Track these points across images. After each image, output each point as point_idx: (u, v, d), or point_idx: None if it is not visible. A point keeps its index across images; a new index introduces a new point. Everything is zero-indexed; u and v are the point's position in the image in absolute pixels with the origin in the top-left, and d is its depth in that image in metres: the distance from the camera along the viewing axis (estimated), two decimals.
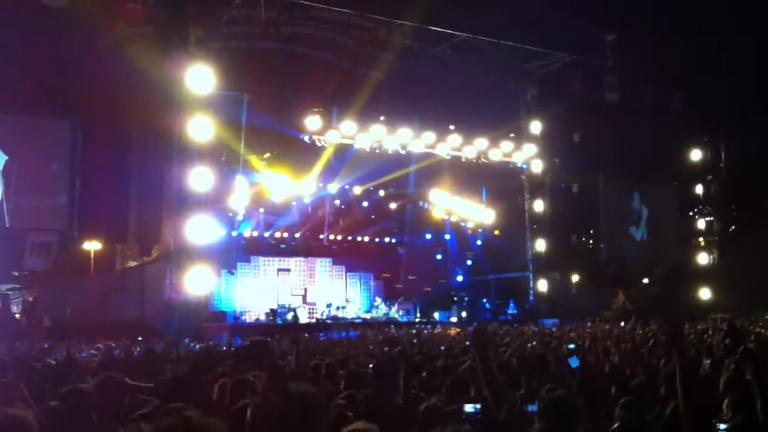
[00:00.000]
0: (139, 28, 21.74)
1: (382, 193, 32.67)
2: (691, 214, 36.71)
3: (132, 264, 29.21)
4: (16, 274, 28.12)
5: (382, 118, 28.52)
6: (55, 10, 20.00)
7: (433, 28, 25.00)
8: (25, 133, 26.45)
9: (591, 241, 35.72)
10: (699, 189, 36.60)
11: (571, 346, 8.70)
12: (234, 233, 29.97)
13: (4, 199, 26.03)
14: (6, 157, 25.88)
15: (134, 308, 25.81)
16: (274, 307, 28.50)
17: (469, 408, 4.83)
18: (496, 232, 33.65)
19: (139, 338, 18.25)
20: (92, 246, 28.65)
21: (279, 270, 30.70)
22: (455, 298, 33.22)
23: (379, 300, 31.32)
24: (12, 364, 9.20)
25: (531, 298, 31.84)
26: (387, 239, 34.80)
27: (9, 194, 26.16)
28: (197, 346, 16.20)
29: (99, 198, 26.71)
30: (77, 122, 26.07)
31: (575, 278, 33.55)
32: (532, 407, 5.21)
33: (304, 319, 28.35)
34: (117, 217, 28.11)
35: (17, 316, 27.69)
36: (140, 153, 27.17)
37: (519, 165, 32.00)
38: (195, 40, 22.03)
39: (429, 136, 29.39)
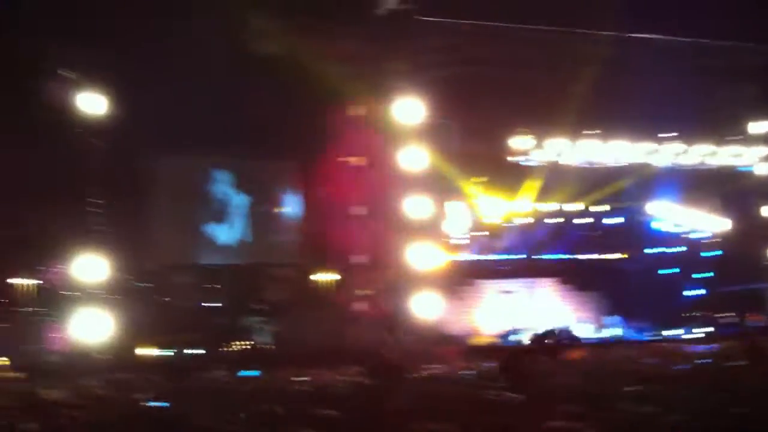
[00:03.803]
0: (348, 67, 23.16)
1: (600, 208, 31.89)
2: None
3: (361, 292, 30.62)
4: (258, 307, 30.57)
5: (592, 131, 28.06)
6: (267, 57, 21.83)
7: (633, 35, 24.39)
8: (260, 175, 29.01)
9: None
10: None
11: None
12: (455, 258, 30.55)
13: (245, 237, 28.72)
14: (248, 196, 28.56)
15: (366, 334, 26.95)
16: (500, 329, 28.71)
17: None
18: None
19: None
20: (323, 277, 30.49)
21: (502, 292, 30.87)
22: (689, 314, 31.44)
23: (609, 319, 30.42)
24: None
25: None
26: (612, 256, 33.73)
27: (251, 233, 28.81)
28: None
29: (327, 232, 28.40)
30: (304, 162, 28.10)
31: None
32: None
33: (529, 340, 28.24)
34: (344, 249, 29.68)
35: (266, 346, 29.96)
36: (362, 186, 28.63)
37: (747, 168, 29.91)
38: (401, 73, 23.17)
39: (645, 145, 28.45)
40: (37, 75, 19.84)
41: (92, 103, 20.54)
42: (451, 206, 28.50)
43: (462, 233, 30.03)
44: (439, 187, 27.15)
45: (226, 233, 28.79)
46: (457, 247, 30.61)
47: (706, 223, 32.21)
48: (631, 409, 6.24)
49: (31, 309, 26.44)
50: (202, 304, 28.65)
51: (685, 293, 33.00)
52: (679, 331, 29.71)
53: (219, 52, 20.86)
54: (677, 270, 33.28)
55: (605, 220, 32.52)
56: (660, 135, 28.69)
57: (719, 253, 32.07)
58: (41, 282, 26.08)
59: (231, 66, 21.72)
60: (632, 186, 30.90)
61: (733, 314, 30.77)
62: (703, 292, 32.49)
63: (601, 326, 30.47)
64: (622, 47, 25.41)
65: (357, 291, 30.67)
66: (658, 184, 31.12)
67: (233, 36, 20.72)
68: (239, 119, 23.48)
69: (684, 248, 33.27)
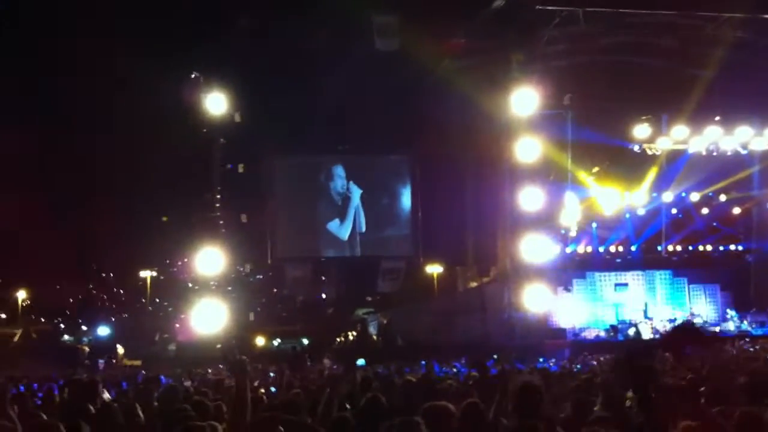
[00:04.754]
0: (464, 60, 22.91)
1: (723, 197, 30.52)
2: None
3: (472, 285, 30.51)
4: (369, 299, 30.88)
5: (717, 118, 26.92)
6: (388, 53, 21.82)
7: (765, 16, 23.09)
8: (373, 170, 29.21)
9: None
10: None
11: None
12: (568, 250, 29.95)
13: (358, 230, 28.95)
14: (361, 191, 28.77)
15: (477, 327, 26.88)
16: (614, 322, 27.95)
17: None
18: None
19: (495, 356, 18.70)
20: (435, 270, 30.50)
21: (616, 285, 30.03)
22: None
23: (730, 312, 29.19)
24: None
25: None
26: (732, 247, 32.33)
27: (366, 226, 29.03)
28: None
29: (439, 225, 28.36)
30: (416, 156, 28.14)
31: None
32: None
33: (647, 334, 27.37)
34: (456, 242, 29.61)
35: (374, 337, 30.30)
36: (474, 179, 28.41)
37: None
38: (517, 65, 22.73)
39: None
40: (168, 76, 20.40)
41: (218, 104, 20.94)
42: (566, 197, 27.84)
43: (577, 224, 29.34)
44: (555, 177, 26.62)
45: (341, 227, 29.08)
46: (571, 239, 30.00)
47: None
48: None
49: (153, 300, 27.62)
50: (318, 296, 29.16)
51: None
52: None
53: (337, 51, 20.97)
54: None
55: (729, 210, 31.21)
56: None
57: None
58: (164, 275, 27.11)
59: (349, 64, 21.78)
60: (757, 174, 29.48)
61: None
62: None
63: (722, 320, 29.24)
64: (752, 29, 24.10)
65: (469, 283, 30.57)
66: None
67: (352, 35, 20.76)
68: (356, 116, 23.63)
69: None
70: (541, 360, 20.02)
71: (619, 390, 6.91)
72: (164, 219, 24.35)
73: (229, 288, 24.17)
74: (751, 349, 19.90)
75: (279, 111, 22.09)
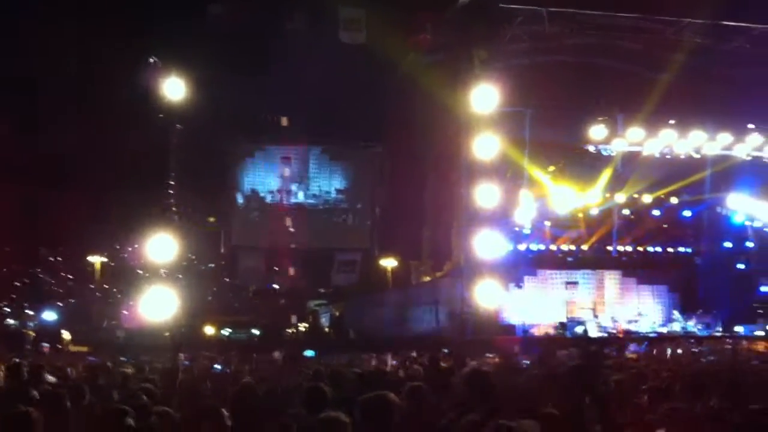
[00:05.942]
0: (429, 56, 22.88)
1: (674, 200, 31.05)
2: None
3: (425, 279, 30.56)
4: (323, 290, 30.71)
5: (671, 121, 27.33)
6: (354, 46, 21.71)
7: (727, 23, 23.52)
8: (333, 162, 29.10)
9: None
10: None
11: None
12: (521, 247, 30.16)
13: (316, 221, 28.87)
14: (320, 181, 28.67)
15: (429, 321, 26.96)
16: (563, 320, 28.28)
17: None
18: None
19: (445, 350, 18.79)
20: (389, 263, 30.47)
21: (566, 283, 30.39)
22: (761, 311, 30.55)
23: (676, 313, 29.76)
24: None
25: None
26: (682, 249, 32.93)
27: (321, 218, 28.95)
28: None
29: (396, 218, 28.35)
30: (377, 149, 28.08)
31: None
32: None
33: (594, 333, 27.76)
34: (412, 236, 29.65)
35: (325, 329, 30.19)
36: (432, 173, 28.45)
37: None
38: (479, 61, 22.73)
39: (725, 137, 27.71)
40: (125, 61, 19.93)
41: (176, 90, 20.46)
42: (521, 195, 28.03)
43: (531, 222, 29.57)
44: (511, 175, 26.77)
45: (296, 218, 28.92)
46: (525, 237, 30.22)
47: None
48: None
49: (102, 286, 27.08)
50: (270, 286, 28.93)
51: (756, 289, 32.11)
52: (745, 328, 28.88)
53: (304, 43, 20.75)
54: (750, 265, 32.39)
55: (679, 212, 31.77)
56: (742, 126, 27.73)
57: None
58: (114, 260, 26.57)
59: (315, 55, 21.58)
60: (709, 178, 30.05)
61: None
62: None
63: (668, 320, 29.80)
64: (711, 35, 24.54)
65: (423, 278, 30.61)
66: (736, 177, 30.19)
67: (318, 27, 20.56)
68: (319, 108, 23.44)
69: (759, 243, 32.35)
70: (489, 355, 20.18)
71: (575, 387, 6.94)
72: (211, 220, 24.25)
73: (180, 276, 23.75)
74: (696, 350, 20.38)
75: (240, 99, 21.77)
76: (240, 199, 28.12)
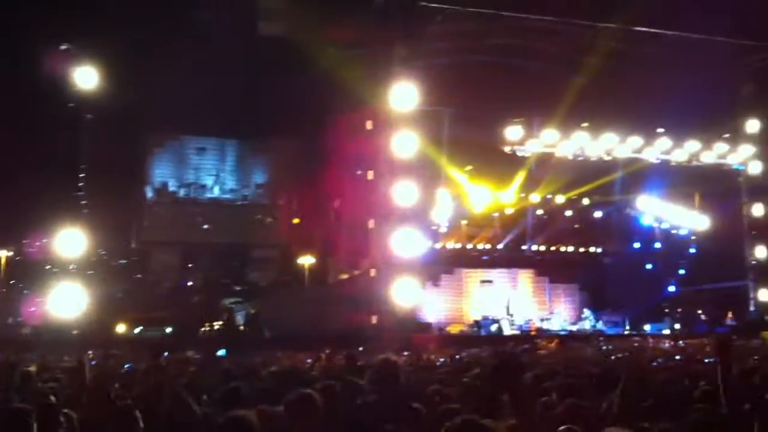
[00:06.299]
0: (349, 51, 22.73)
1: (586, 201, 31.81)
2: None
3: (343, 277, 30.42)
4: (238, 288, 30.19)
5: (585, 124, 27.98)
6: (272, 38, 21.37)
7: (639, 28, 24.23)
8: (250, 155, 28.62)
9: None
10: None
11: None
12: (437, 245, 30.37)
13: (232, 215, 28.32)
14: (237, 175, 28.14)
15: (347, 319, 26.81)
16: (478, 318, 28.60)
17: None
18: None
19: (360, 348, 18.69)
20: (306, 260, 30.20)
21: (482, 281, 30.81)
22: (667, 310, 31.63)
23: (586, 312, 30.50)
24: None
25: (752, 309, 29.71)
26: (592, 249, 33.79)
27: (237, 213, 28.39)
28: None
29: (314, 215, 28.10)
30: (295, 144, 27.72)
31: None
32: None
33: (508, 330, 28.17)
34: (329, 233, 29.46)
35: (241, 327, 29.67)
36: (350, 170, 28.31)
37: (735, 167, 30.13)
38: (399, 59, 22.74)
39: (636, 140, 28.59)
40: (33, 47, 19.07)
41: (88, 78, 19.74)
42: (438, 194, 28.20)
43: (448, 221, 29.80)
44: (429, 174, 26.87)
45: (211, 213, 28.32)
46: (441, 235, 30.43)
47: (690, 220, 32.36)
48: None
49: (8, 281, 25.95)
50: (185, 283, 28.27)
51: (663, 289, 33.19)
52: (652, 326, 29.82)
53: (222, 32, 20.30)
54: (657, 266, 33.47)
55: (590, 213, 32.55)
56: (652, 130, 28.62)
57: (701, 250, 32.28)
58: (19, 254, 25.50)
59: (233, 47, 21.14)
60: (620, 180, 30.88)
61: (711, 312, 30.97)
62: (681, 288, 32.69)
63: (578, 319, 30.51)
64: (625, 40, 25.20)
65: (341, 275, 30.45)
66: (645, 180, 31.13)
67: (238, 17, 20.15)
68: (236, 100, 22.98)
69: (666, 244, 33.46)
70: (406, 353, 20.17)
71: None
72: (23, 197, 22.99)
73: (91, 272, 23.00)
74: (605, 348, 20.82)
75: (154, 89, 21.12)
76: (150, 193, 27.34)
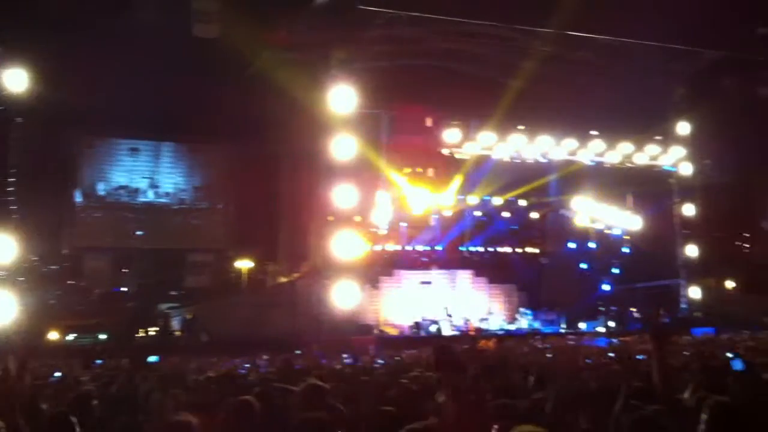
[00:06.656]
0: (285, 53, 22.56)
1: (523, 203, 32.26)
2: None
3: (282, 280, 30.19)
4: (175, 293, 29.68)
5: (521, 127, 28.34)
6: (206, 40, 21.06)
7: (573, 33, 24.67)
8: (185, 158, 28.15)
9: (748, 245, 33.89)
10: None
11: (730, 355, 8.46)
12: (377, 248, 30.37)
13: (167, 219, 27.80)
14: (172, 178, 27.62)
15: (285, 323, 26.61)
16: (418, 319, 28.70)
17: None
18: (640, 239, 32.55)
19: (297, 352, 18.66)
20: (244, 264, 29.87)
21: (421, 283, 30.93)
22: (602, 308, 32.23)
23: (524, 311, 30.88)
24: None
25: (683, 306, 30.55)
26: (530, 250, 34.25)
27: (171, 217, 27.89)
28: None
29: (251, 218, 27.80)
30: (230, 147, 27.42)
31: (731, 284, 31.90)
32: None
33: (447, 331, 28.35)
34: (267, 236, 29.19)
35: (177, 333, 29.16)
36: (289, 173, 28.14)
37: (667, 168, 30.93)
38: (338, 62, 22.68)
39: (570, 142, 29.10)
40: None
41: (18, 80, 19.12)
42: (377, 196, 28.22)
43: (387, 223, 29.83)
44: (368, 176, 26.88)
45: (145, 217, 27.77)
46: (381, 237, 30.44)
47: (623, 220, 33.05)
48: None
49: None
50: (116, 289, 27.66)
51: (598, 288, 33.80)
52: (588, 325, 30.35)
53: (156, 34, 19.88)
54: (592, 265, 34.07)
55: (526, 215, 32.96)
56: (586, 133, 29.17)
57: (634, 250, 33.02)
58: None
59: (166, 48, 20.73)
60: (555, 182, 31.39)
61: (644, 309, 31.67)
62: (615, 287, 33.35)
63: (516, 318, 30.85)
64: (559, 44, 25.60)
65: (279, 279, 30.22)
66: (580, 181, 31.69)
67: (171, 18, 19.76)
68: (170, 103, 22.56)
69: (600, 244, 34.09)
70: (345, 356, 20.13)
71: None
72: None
73: (21, 278, 22.31)
74: (541, 346, 21.09)
75: (86, 90, 20.59)
76: (79, 198, 26.65)
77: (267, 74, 21.95)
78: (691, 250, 30.52)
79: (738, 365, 8.18)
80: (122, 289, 28.35)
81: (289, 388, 6.57)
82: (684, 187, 31.04)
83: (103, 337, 27.17)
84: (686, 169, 30.79)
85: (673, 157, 30.67)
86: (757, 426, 4.82)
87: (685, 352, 12.85)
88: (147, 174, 27.95)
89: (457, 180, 29.52)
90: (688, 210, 30.78)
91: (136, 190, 28.53)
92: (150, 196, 28.50)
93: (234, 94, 23.08)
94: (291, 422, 5.44)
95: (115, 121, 23.78)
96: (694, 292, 30.31)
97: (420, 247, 32.15)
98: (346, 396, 7.00)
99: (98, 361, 17.65)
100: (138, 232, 27.91)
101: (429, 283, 31.07)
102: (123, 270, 28.16)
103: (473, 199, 31.12)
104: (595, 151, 29.56)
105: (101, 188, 27.54)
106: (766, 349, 12.60)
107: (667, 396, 5.46)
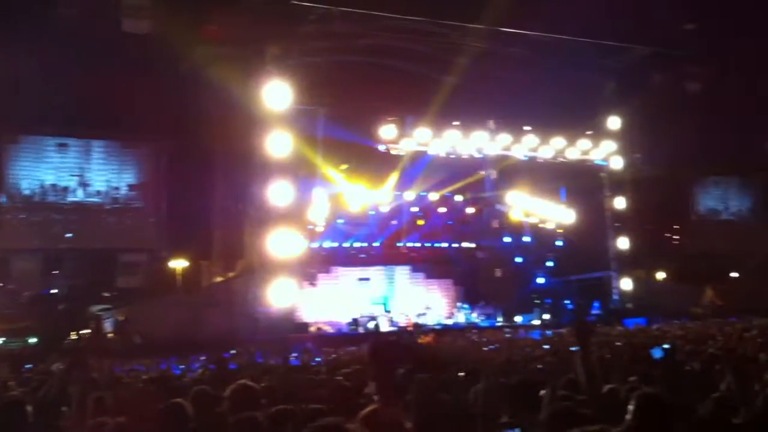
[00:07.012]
0: (219, 48, 22.24)
1: (459, 198, 32.51)
2: None
3: (217, 280, 29.78)
4: (107, 294, 29.01)
5: (456, 123, 28.53)
6: (137, 35, 20.63)
7: (505, 29, 24.94)
8: (116, 157, 27.49)
9: (677, 237, 34.83)
10: None
11: (666, 346, 8.62)
12: (314, 245, 30.23)
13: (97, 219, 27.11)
14: (103, 177, 26.92)
15: (221, 323, 26.25)
16: (356, 316, 28.67)
17: None
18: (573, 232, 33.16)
19: (232, 351, 18.47)
20: (179, 264, 29.38)
21: (359, 279, 30.92)
22: (537, 301, 32.69)
23: (461, 305, 31.12)
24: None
25: (615, 297, 31.23)
26: (465, 244, 34.50)
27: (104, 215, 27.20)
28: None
29: (184, 217, 27.35)
30: (162, 145, 26.91)
31: (661, 275, 32.71)
32: None
33: (385, 327, 28.39)
34: (202, 235, 28.76)
35: (109, 335, 28.49)
36: (223, 171, 27.76)
37: (598, 162, 31.55)
38: (272, 58, 22.47)
39: (504, 138, 29.41)
40: None
41: None
42: (314, 193, 28.08)
43: (324, 220, 29.71)
44: (304, 173, 26.71)
45: (75, 217, 27.02)
46: (318, 234, 30.30)
47: (557, 214, 33.58)
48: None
49: None
50: (46, 291, 26.92)
51: (533, 281, 34.28)
52: (523, 318, 30.74)
53: (84, 28, 19.34)
54: (527, 259, 34.52)
55: (462, 210, 33.22)
56: (519, 128, 29.54)
57: (567, 243, 33.60)
58: None
59: (96, 43, 20.18)
60: (490, 177, 31.71)
61: (577, 301, 32.24)
62: (550, 279, 33.87)
63: (453, 313, 31.08)
64: (492, 40, 25.84)
65: (215, 278, 29.80)
66: (514, 176, 32.08)
67: (101, 12, 19.24)
68: (100, 98, 21.98)
69: (535, 238, 34.58)
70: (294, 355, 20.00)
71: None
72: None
73: None
74: (477, 339, 21.30)
75: (14, 87, 19.91)
76: (2, 198, 25.79)
77: (201, 70, 21.62)
78: (623, 243, 31.21)
79: (657, 353, 8.34)
80: (52, 291, 27.62)
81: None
82: (615, 180, 31.72)
83: (33, 340, 26.43)
84: (617, 163, 31.48)
85: (604, 151, 31.30)
86: (680, 413, 4.93)
87: (617, 343, 13.13)
88: (76, 171, 27.17)
89: (394, 176, 29.58)
90: (619, 203, 31.47)
91: (65, 189, 27.72)
92: (80, 195, 27.78)
93: (167, 90, 22.65)
94: (223, 424, 5.37)
95: (42, 118, 23.07)
96: (626, 284, 30.99)
97: (357, 244, 32.12)
98: (279, 395, 6.93)
99: (27, 366, 17.16)
100: (67, 235, 27.14)
101: (367, 279, 31.08)
102: (53, 271, 27.41)
103: (410, 195, 31.25)
104: (528, 146, 29.94)
105: (25, 187, 26.67)
106: (695, 338, 12.93)
107: (593, 388, 5.53)
